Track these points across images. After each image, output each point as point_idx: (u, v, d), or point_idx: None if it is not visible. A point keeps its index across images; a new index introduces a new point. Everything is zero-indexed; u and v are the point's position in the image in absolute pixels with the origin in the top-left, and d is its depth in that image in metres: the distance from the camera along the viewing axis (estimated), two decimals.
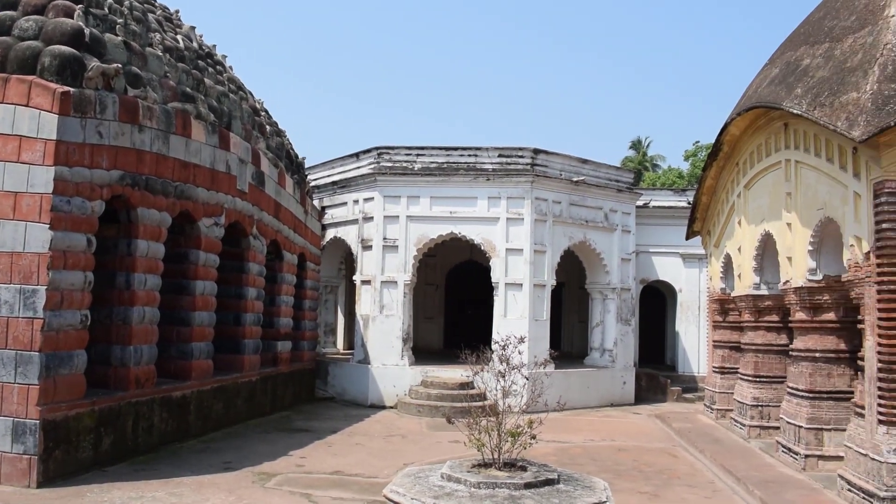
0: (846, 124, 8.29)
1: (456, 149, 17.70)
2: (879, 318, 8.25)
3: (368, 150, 18.29)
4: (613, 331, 18.69)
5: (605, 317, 18.81)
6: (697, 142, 46.32)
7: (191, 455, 10.70)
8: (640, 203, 20.11)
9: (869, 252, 8.47)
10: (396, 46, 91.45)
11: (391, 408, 16.59)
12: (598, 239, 18.39)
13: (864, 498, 8.24)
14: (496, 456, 6.10)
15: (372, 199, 17.63)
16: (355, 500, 8.68)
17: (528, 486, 5.56)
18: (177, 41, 12.59)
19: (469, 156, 17.53)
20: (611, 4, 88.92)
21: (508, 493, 5.42)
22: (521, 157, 17.33)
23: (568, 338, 23.73)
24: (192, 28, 14.24)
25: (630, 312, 19.14)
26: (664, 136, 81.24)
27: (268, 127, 15.66)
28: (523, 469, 6.02)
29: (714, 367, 15.99)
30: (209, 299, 12.28)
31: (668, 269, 21.06)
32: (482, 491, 5.49)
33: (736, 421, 13.66)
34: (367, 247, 17.70)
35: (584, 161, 18.51)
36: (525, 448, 6.28)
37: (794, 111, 9.72)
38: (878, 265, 8.24)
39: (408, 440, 12.99)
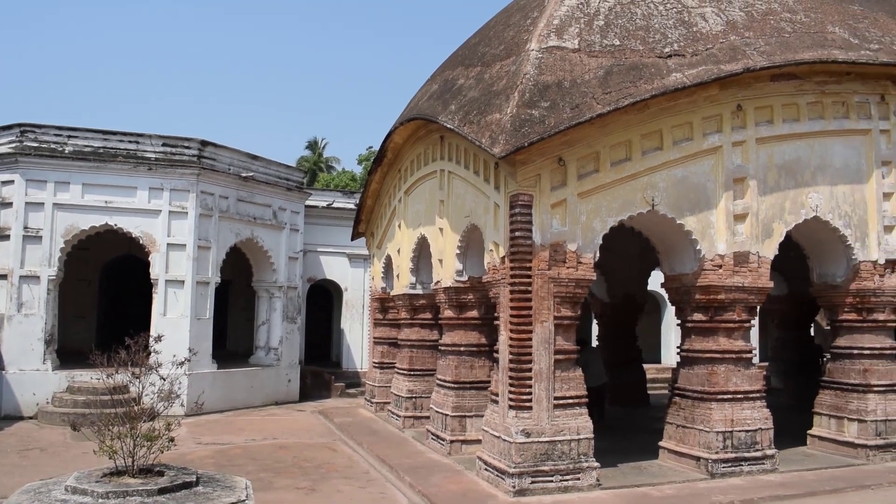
0: (489, 141, 9.21)
1: (115, 133, 16.27)
2: (511, 315, 9.31)
3: (9, 127, 15.97)
4: (279, 329, 18.66)
5: (271, 315, 18.70)
6: (371, 147, 48.28)
7: None
8: (310, 203, 20.34)
9: (504, 256, 9.53)
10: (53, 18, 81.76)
11: (31, 418, 14.75)
12: (266, 236, 18.22)
13: (497, 475, 9.22)
14: (130, 463, 5.69)
15: (11, 182, 15.46)
16: None
17: (162, 491, 5.26)
18: None
19: (130, 142, 16.23)
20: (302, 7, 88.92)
21: (140, 501, 5.09)
22: (188, 147, 16.50)
23: (234, 337, 23.15)
24: None
25: (296, 311, 19.27)
26: (341, 139, 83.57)
27: None
28: (160, 474, 5.69)
29: (374, 362, 16.76)
30: None
31: (335, 268, 21.61)
32: (111, 501, 5.08)
33: (393, 413, 14.45)
34: (3, 236, 15.49)
35: (255, 157, 18.22)
36: (163, 452, 5.94)
37: (448, 125, 10.56)
38: (511, 268, 9.29)
39: (48, 453, 11.64)
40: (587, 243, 9.49)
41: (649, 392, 17.70)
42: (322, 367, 21.08)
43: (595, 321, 19.25)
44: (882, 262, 11.13)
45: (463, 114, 10.36)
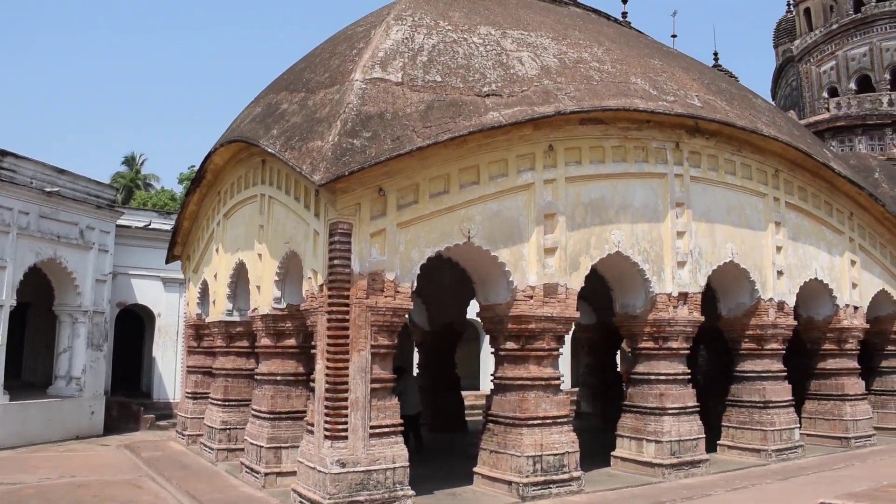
0: (310, 168, 9.13)
1: None
2: (328, 344, 9.22)
3: None
4: (83, 357, 17.32)
5: (74, 342, 17.32)
6: (192, 166, 46.32)
7: None
8: (124, 222, 19.18)
9: (323, 284, 9.44)
10: None
11: None
12: (71, 257, 16.92)
13: None
14: None
15: None
16: None
17: None
18: None
19: None
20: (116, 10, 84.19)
21: None
22: None
23: (31, 365, 21.17)
24: None
25: (103, 337, 17.99)
26: (162, 156, 79.65)
27: None
28: None
29: (188, 392, 15.97)
30: None
31: (148, 292, 20.46)
32: None
33: (206, 446, 13.80)
34: None
35: (62, 171, 16.94)
36: None
37: (270, 150, 10.37)
38: (329, 296, 9.23)
39: None
40: (405, 273, 9.62)
41: (469, 418, 18.11)
42: (131, 398, 19.80)
43: (416, 349, 19.49)
44: (675, 294, 12.11)
45: (285, 139, 10.22)
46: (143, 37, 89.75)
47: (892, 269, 16.68)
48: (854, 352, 15.77)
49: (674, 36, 27.64)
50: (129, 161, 50.87)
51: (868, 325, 16.08)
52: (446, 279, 15.14)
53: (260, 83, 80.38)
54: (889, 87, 26.91)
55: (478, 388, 24.07)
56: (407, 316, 10.05)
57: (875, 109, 21.29)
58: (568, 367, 25.75)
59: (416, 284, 9.79)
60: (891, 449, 14.91)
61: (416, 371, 18.93)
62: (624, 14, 17.28)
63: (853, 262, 15.57)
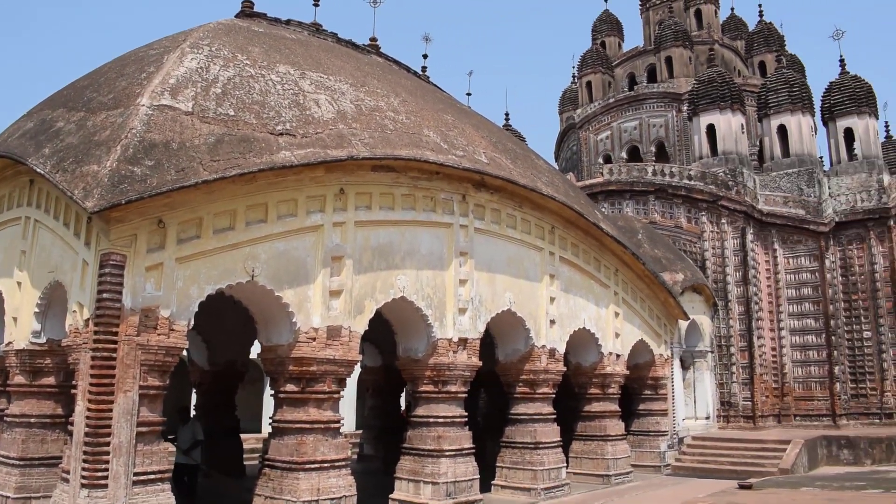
0: (83, 193, 8.54)
1: None
2: (91, 384, 8.57)
3: None
4: None
5: None
6: None
7: None
8: None
9: (89, 319, 8.79)
10: None
11: None
12: None
13: None
14: None
15: None
16: None
17: None
18: None
19: None
20: None
21: None
22: None
23: None
24: None
25: None
26: None
27: None
28: None
29: None
30: None
31: None
32: None
33: None
34: None
35: None
36: None
37: (38, 170, 9.58)
38: (96, 332, 8.60)
39: None
40: (182, 310, 9.22)
41: (248, 462, 17.46)
42: None
43: (194, 390, 18.57)
44: (456, 339, 12.59)
45: (58, 159, 9.50)
46: None
47: (649, 321, 18.46)
48: (616, 396, 17.17)
49: (468, 94, 29.38)
50: None
51: (628, 372, 17.61)
52: (231, 316, 14.65)
53: (32, 99, 74.25)
54: (654, 158, 30.15)
55: (259, 431, 23.30)
56: (186, 354, 9.62)
57: (641, 177, 23.61)
58: (353, 408, 25.73)
59: (193, 322, 9.41)
60: (646, 485, 16.29)
61: (192, 412, 17.99)
62: (424, 69, 18.03)
63: (617, 314, 17.03)
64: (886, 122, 30.53)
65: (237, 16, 14.68)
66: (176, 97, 10.05)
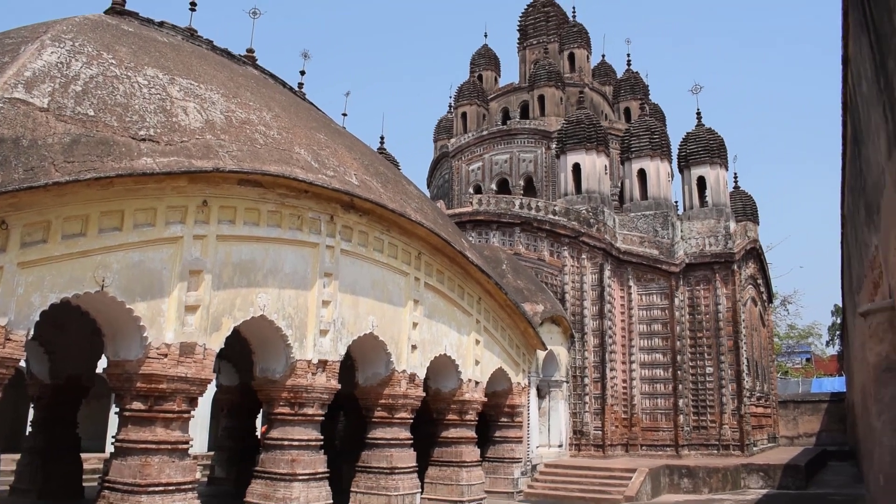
0: None
1: None
2: None
3: None
4: None
5: None
6: None
7: None
8: None
9: None
10: None
11: None
12: None
13: None
14: None
15: None
16: None
17: None
18: None
19: None
20: None
21: None
22: None
23: None
24: None
25: None
26: None
27: None
28: None
29: None
30: None
31: None
32: None
33: None
34: None
35: None
36: None
37: None
38: None
39: None
40: (21, 318, 8.61)
41: (89, 484, 16.39)
42: None
43: (32, 404, 17.30)
44: (315, 361, 12.42)
45: None
46: None
47: (509, 349, 18.93)
48: (473, 422, 17.43)
49: (345, 114, 29.15)
50: None
51: (486, 399, 17.93)
52: (77, 328, 13.80)
53: None
54: (523, 191, 31.11)
55: (103, 451, 21.95)
56: (25, 365, 8.97)
57: (509, 210, 24.31)
58: (206, 429, 24.77)
59: (33, 332, 8.81)
60: None
61: (28, 429, 16.75)
62: (300, 85, 17.84)
63: (478, 342, 17.36)
64: (735, 173, 32.88)
65: (106, 12, 14.01)
66: (31, 91, 9.45)
